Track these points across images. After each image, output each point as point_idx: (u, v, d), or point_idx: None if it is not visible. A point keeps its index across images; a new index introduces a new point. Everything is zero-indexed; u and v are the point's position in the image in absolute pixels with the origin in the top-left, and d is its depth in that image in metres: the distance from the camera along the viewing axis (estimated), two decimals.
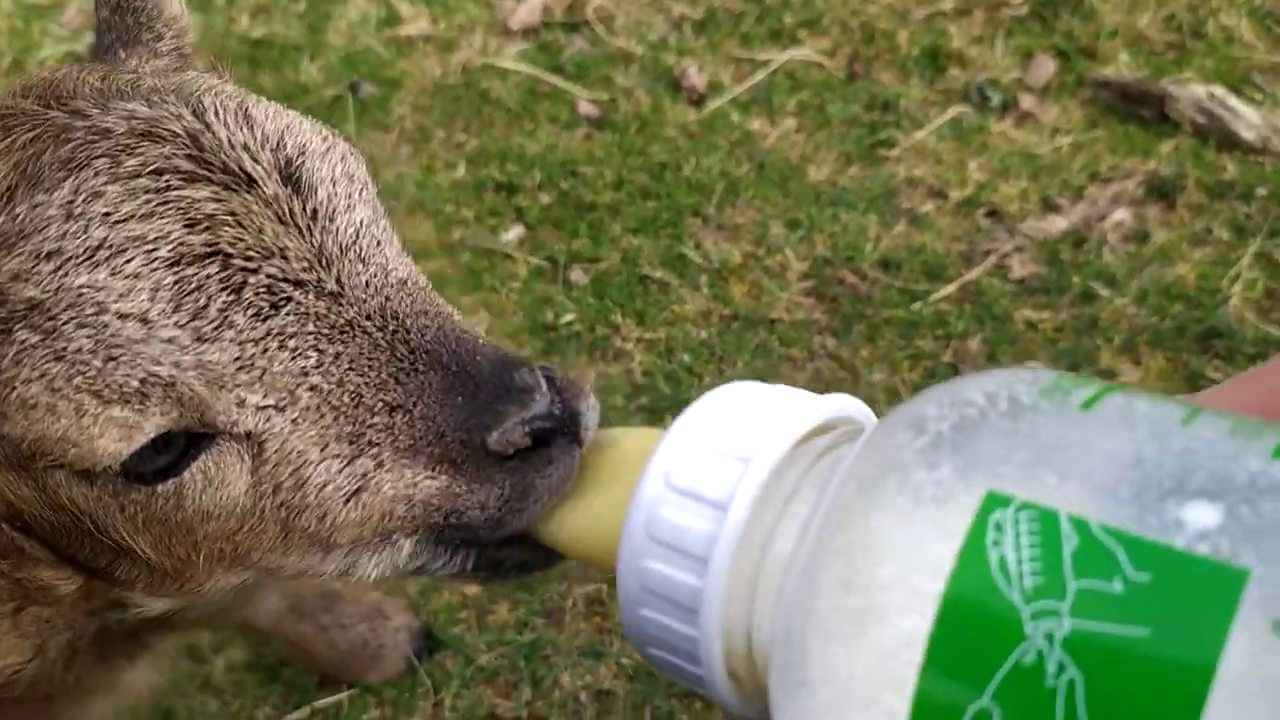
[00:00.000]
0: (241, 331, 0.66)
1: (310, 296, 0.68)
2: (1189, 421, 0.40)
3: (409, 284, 0.72)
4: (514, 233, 2.06)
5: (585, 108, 2.22)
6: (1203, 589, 0.35)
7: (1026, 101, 2.16)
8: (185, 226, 0.66)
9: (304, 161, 0.72)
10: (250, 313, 0.66)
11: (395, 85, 2.29)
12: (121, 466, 0.68)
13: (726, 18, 2.33)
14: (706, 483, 0.50)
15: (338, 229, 0.70)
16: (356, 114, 2.23)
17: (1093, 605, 0.37)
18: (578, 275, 1.99)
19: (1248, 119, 2.04)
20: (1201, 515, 0.36)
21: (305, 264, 0.68)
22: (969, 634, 0.38)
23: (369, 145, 2.17)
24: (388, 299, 0.70)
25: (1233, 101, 2.06)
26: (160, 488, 0.70)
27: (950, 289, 1.92)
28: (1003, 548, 0.39)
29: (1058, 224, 1.99)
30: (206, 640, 1.57)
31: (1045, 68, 2.20)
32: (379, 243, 0.72)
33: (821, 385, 1.81)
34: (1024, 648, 0.37)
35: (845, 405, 0.54)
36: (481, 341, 0.71)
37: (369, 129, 2.22)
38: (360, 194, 0.73)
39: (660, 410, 1.79)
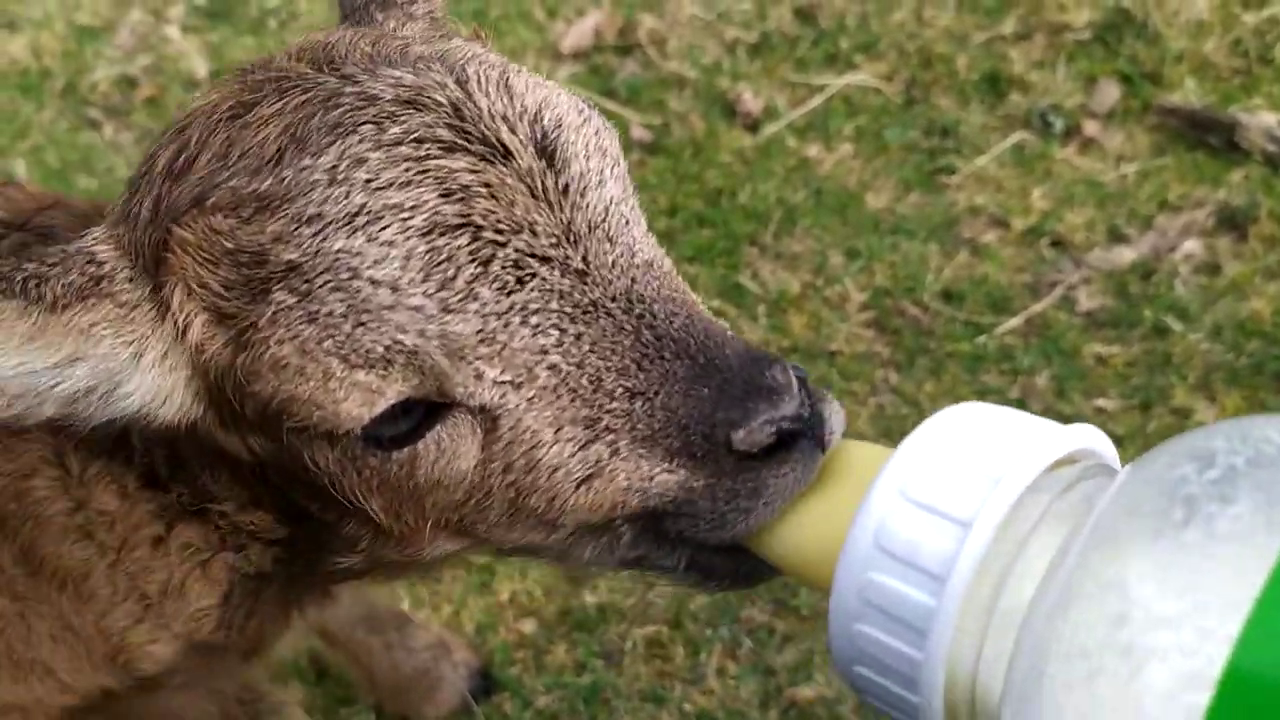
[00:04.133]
0: (486, 304, 0.66)
1: (556, 273, 0.67)
2: None
3: (655, 267, 0.70)
4: None
5: (638, 132, 2.19)
6: None
7: (1090, 128, 2.12)
8: (441, 196, 0.66)
9: (560, 135, 0.71)
10: (496, 286, 0.66)
11: None
12: (362, 431, 0.68)
13: (781, 41, 2.30)
14: (949, 498, 0.47)
15: (588, 205, 0.69)
16: None
17: None
18: None
19: None
20: None
21: (553, 240, 0.67)
22: (1264, 684, 0.35)
23: None
24: (634, 281, 0.68)
25: None
26: (396, 454, 0.70)
27: (1016, 322, 1.87)
28: None
29: (1125, 255, 1.94)
30: (263, 679, 1.55)
31: (1109, 93, 2.15)
32: (627, 222, 0.71)
33: (884, 421, 1.77)
34: None
35: (1093, 438, 0.51)
36: (730, 334, 0.69)
37: None
38: (612, 170, 0.72)
39: None
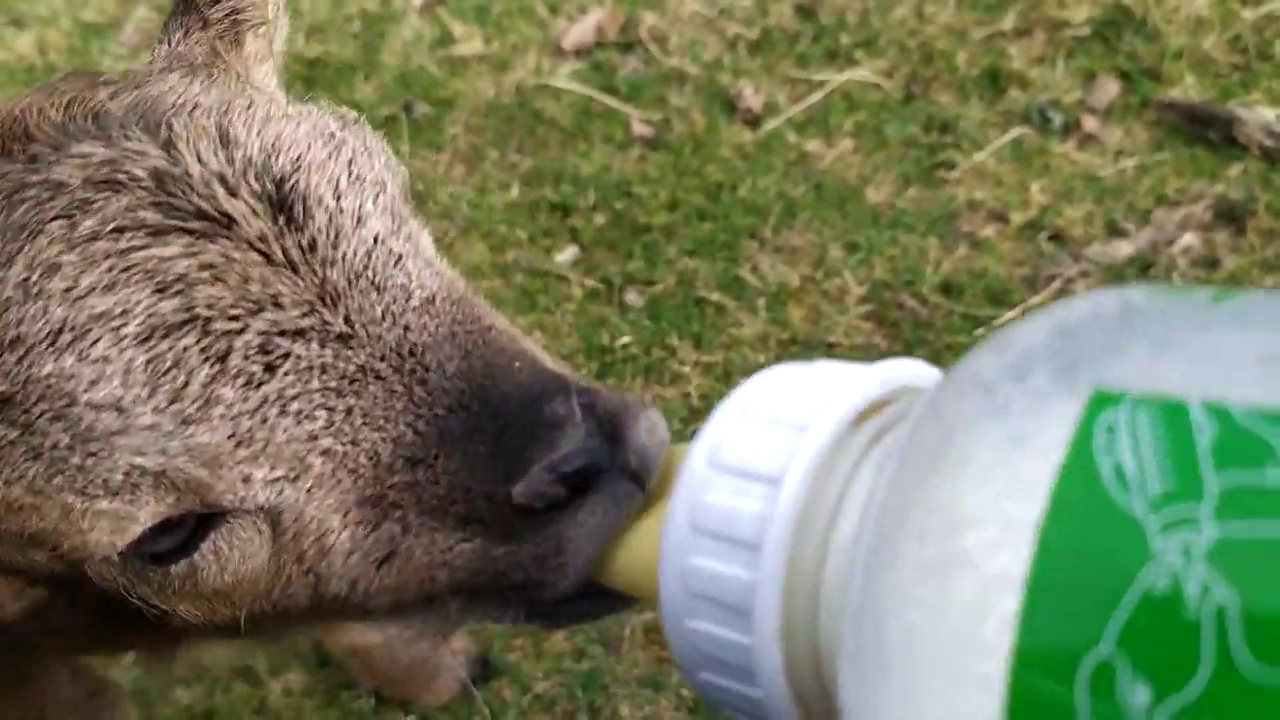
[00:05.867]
0: (232, 405, 0.58)
1: (314, 346, 0.59)
2: None
3: (436, 302, 0.62)
4: (568, 254, 2.05)
5: (639, 128, 2.21)
6: None
7: (1089, 123, 2.13)
8: (155, 293, 0.58)
9: (299, 180, 0.62)
10: (240, 382, 0.58)
11: (449, 105, 2.28)
12: (120, 558, 0.62)
13: (782, 38, 2.31)
14: (757, 456, 0.42)
15: (344, 256, 0.61)
16: (411, 134, 2.23)
17: (1244, 503, 0.28)
18: (633, 297, 1.97)
19: None
20: None
21: (305, 308, 0.59)
22: (1078, 565, 0.30)
23: (423, 165, 2.17)
24: (407, 329, 0.61)
25: None
26: (174, 568, 0.63)
27: (1014, 314, 1.88)
28: (1117, 453, 0.31)
29: (1123, 249, 1.95)
30: (264, 664, 1.56)
31: (1108, 89, 2.16)
32: (399, 258, 0.63)
33: None
34: (1152, 570, 0.29)
35: (909, 371, 0.45)
36: (518, 365, 0.62)
37: (423, 149, 2.21)
38: (375, 200, 0.64)
39: None
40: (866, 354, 1.86)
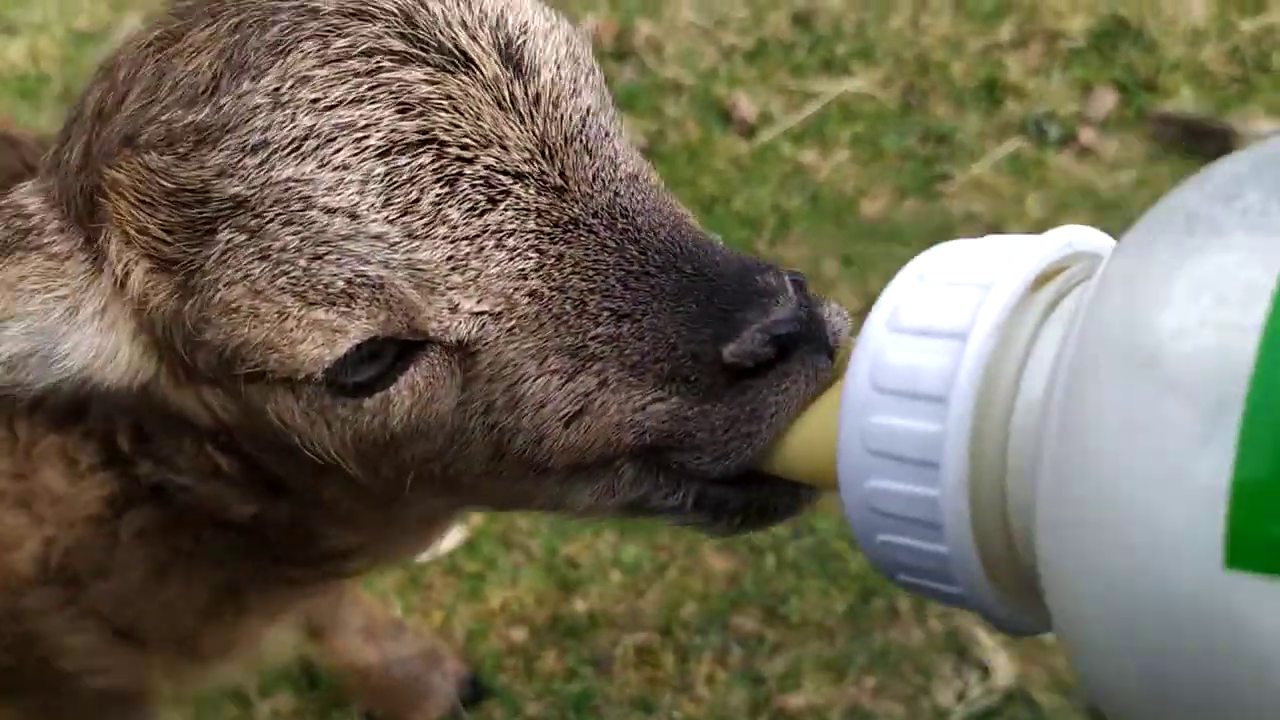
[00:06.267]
0: (455, 228, 0.60)
1: (531, 191, 0.61)
2: None
3: (640, 178, 0.65)
4: None
5: (634, 139, 2.19)
6: None
7: (1086, 135, 2.11)
8: (398, 112, 0.61)
9: (526, 41, 0.65)
10: (465, 207, 0.60)
11: None
12: (325, 375, 0.63)
13: (778, 48, 2.30)
14: (940, 315, 0.42)
15: (562, 115, 0.64)
16: None
17: None
18: None
19: None
20: None
21: (526, 154, 0.62)
22: None
23: None
24: (617, 194, 0.63)
25: None
26: (367, 402, 0.64)
27: None
28: None
29: None
30: (254, 684, 1.55)
31: (1105, 101, 2.15)
32: (607, 133, 0.65)
33: None
34: None
35: (1087, 237, 0.45)
36: (722, 245, 0.64)
37: None
38: (587, 79, 0.67)
39: None
40: None
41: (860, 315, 1.68)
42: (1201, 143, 2.06)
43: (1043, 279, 0.43)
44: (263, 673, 1.55)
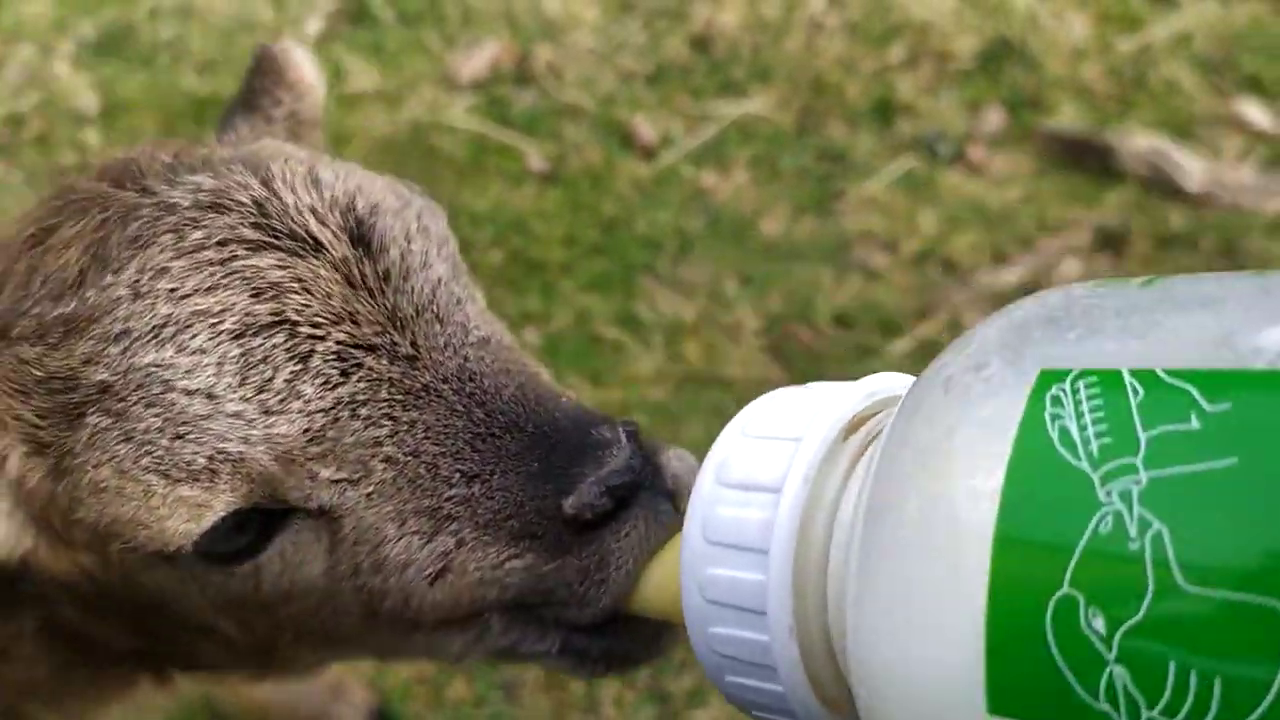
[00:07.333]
0: (310, 402, 0.64)
1: (383, 361, 0.65)
2: (1262, 274, 0.38)
3: (491, 342, 0.69)
4: None
5: (535, 163, 2.21)
6: None
7: (976, 153, 2.18)
8: (251, 296, 0.64)
9: (376, 221, 0.69)
10: (319, 382, 0.64)
11: (343, 142, 2.26)
12: (194, 547, 0.65)
13: (676, 72, 2.34)
14: (758, 469, 0.46)
15: (412, 289, 0.68)
16: None
17: (1170, 450, 0.33)
18: (530, 335, 1.97)
19: (1190, 170, 2.07)
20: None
21: (377, 327, 0.66)
22: (1037, 520, 0.35)
23: None
24: (466, 359, 0.67)
25: (1175, 154, 2.09)
26: (238, 570, 0.67)
27: (905, 344, 1.92)
28: (1063, 420, 0.35)
29: (1009, 275, 2.00)
30: None
31: (993, 119, 2.22)
32: (458, 300, 0.70)
33: None
34: (1100, 516, 0.33)
35: (892, 383, 0.50)
36: (565, 400, 0.68)
37: None
38: (438, 251, 0.71)
39: None
40: (762, 387, 1.87)
41: (762, 335, 1.70)
42: (1083, 158, 2.14)
43: (855, 425, 0.48)
44: (165, 713, 1.53)
